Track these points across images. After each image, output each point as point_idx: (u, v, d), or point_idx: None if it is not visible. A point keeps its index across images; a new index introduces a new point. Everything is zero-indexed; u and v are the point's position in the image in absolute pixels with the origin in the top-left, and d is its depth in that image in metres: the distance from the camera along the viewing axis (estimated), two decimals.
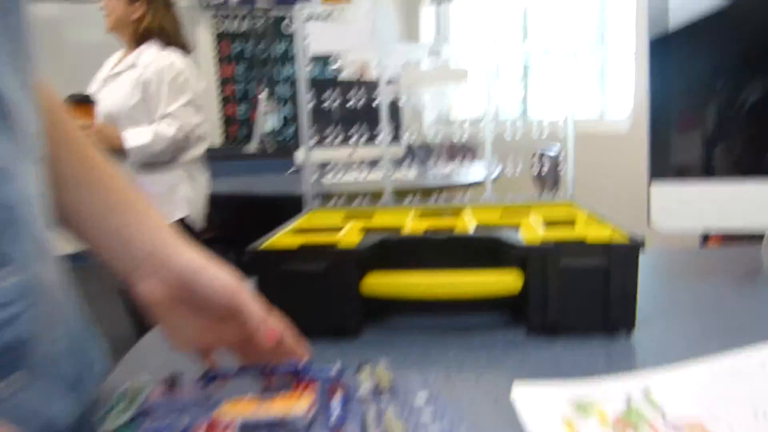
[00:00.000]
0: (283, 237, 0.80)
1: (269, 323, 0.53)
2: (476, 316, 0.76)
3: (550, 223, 0.82)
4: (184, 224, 2.02)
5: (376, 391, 0.55)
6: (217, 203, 2.23)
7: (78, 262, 0.78)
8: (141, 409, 0.54)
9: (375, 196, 1.06)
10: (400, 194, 1.05)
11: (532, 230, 0.78)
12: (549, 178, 2.99)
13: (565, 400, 0.53)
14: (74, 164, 0.54)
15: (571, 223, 0.86)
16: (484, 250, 0.73)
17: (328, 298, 0.70)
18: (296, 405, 0.50)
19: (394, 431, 0.47)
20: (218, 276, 0.51)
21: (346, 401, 0.52)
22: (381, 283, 0.70)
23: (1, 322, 0.40)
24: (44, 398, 0.46)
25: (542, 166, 2.97)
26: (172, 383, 0.57)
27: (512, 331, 0.71)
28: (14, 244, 0.40)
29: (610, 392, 0.54)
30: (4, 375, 0.41)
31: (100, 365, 0.58)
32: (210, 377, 0.56)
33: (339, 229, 0.87)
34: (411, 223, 0.86)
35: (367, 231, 0.82)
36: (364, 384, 0.56)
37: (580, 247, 0.68)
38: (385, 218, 0.93)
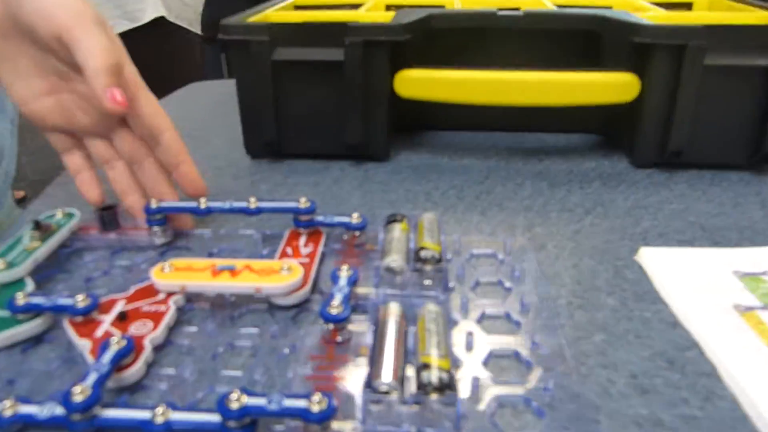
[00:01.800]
0: (276, 13, 0.55)
1: (119, 77, 0.35)
2: (551, 137, 0.54)
3: (658, 5, 0.57)
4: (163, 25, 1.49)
5: (417, 264, 0.32)
6: None
7: None
8: (63, 251, 0.35)
9: None
10: None
11: (646, 10, 0.53)
12: None
13: (729, 275, 0.33)
14: None
15: (685, 5, 0.60)
16: (579, 38, 0.49)
17: (345, 101, 0.47)
18: (280, 275, 0.30)
19: (431, 349, 0.25)
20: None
21: (357, 275, 0.30)
22: (425, 79, 0.46)
23: None
24: None
25: None
26: (106, 218, 0.37)
27: (607, 160, 0.50)
28: None
29: None
30: None
31: None
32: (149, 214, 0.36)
33: (353, 6, 0.61)
34: (457, 1, 0.60)
35: (396, 8, 0.57)
36: (394, 248, 0.32)
37: (741, 34, 0.44)
38: None
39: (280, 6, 0.58)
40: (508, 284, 0.32)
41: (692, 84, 0.44)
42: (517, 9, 0.50)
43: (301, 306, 0.31)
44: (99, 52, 0.34)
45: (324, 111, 0.48)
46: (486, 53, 0.49)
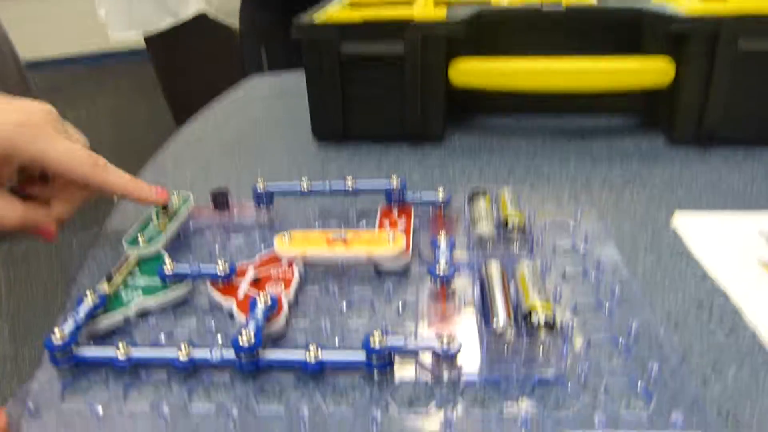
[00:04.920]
0: (338, 12, 0.60)
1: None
2: (592, 118, 0.59)
3: None
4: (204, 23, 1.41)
5: (503, 232, 0.37)
6: None
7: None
8: (182, 229, 0.41)
9: None
10: None
11: (682, 1, 0.56)
12: None
13: (755, 235, 0.38)
14: None
15: None
16: (619, 28, 0.54)
17: (405, 89, 0.52)
18: (387, 243, 0.35)
19: (534, 296, 0.29)
20: None
21: (454, 241, 0.36)
22: (477, 69, 0.51)
23: None
24: None
25: None
26: (220, 200, 0.43)
27: (646, 138, 0.54)
28: None
29: None
30: None
31: None
32: (262, 196, 0.42)
33: (405, 3, 0.66)
34: None
35: (444, 4, 0.62)
36: (483, 218, 0.38)
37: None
38: None
39: (338, 4, 0.63)
40: (581, 247, 0.37)
41: (725, 69, 0.48)
42: (558, 5, 0.54)
43: (404, 270, 0.36)
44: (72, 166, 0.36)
45: (385, 98, 0.53)
46: (532, 44, 0.54)
